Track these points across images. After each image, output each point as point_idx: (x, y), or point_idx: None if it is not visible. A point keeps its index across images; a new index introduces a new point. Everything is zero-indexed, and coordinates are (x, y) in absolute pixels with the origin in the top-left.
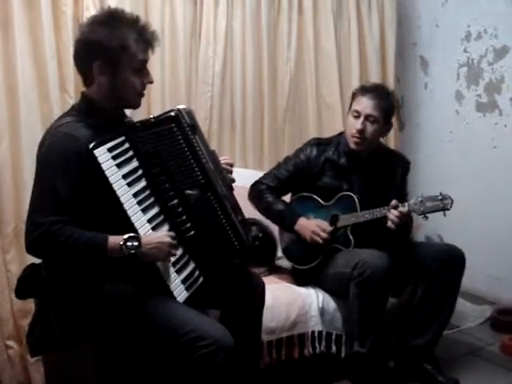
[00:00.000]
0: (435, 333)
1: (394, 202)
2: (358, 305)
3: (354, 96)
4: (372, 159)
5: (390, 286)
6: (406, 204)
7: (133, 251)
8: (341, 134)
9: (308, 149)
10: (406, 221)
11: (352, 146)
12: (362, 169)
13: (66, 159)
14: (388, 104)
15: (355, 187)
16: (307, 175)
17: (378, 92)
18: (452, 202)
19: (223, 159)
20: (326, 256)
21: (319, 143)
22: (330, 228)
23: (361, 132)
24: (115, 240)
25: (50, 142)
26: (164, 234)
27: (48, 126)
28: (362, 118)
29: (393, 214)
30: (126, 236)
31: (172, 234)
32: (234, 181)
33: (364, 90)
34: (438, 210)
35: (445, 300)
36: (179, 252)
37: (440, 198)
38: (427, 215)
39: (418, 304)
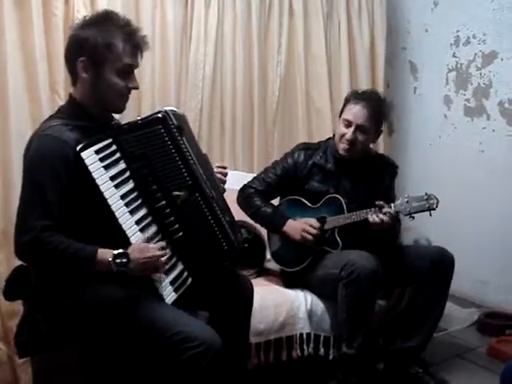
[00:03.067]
0: (425, 335)
1: (379, 202)
2: (347, 305)
3: (346, 101)
4: (360, 164)
5: (379, 286)
6: (392, 205)
7: (122, 268)
8: (329, 139)
9: (296, 153)
10: (392, 221)
11: (341, 151)
12: (349, 173)
13: (53, 163)
14: (380, 113)
15: (342, 191)
16: (295, 179)
17: (371, 101)
18: (438, 202)
19: (218, 166)
20: (314, 258)
21: (307, 148)
22: (318, 224)
23: (351, 141)
24: (104, 255)
25: (37, 146)
26: (154, 247)
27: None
28: (353, 128)
29: (376, 217)
30: (115, 252)
31: (162, 244)
32: (224, 190)
33: (357, 97)
34: (424, 210)
35: (434, 303)
36: (167, 254)
37: (425, 197)
38: (413, 215)
39: (407, 307)
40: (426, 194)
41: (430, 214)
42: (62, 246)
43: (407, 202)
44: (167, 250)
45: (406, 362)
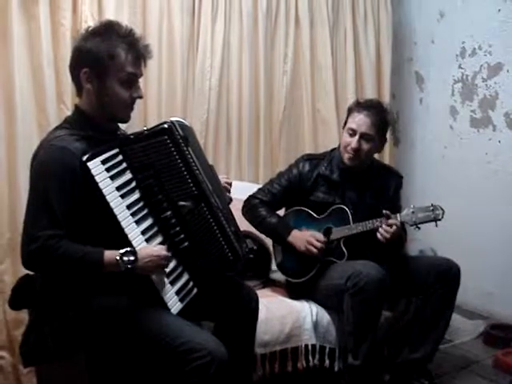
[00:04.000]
0: (431, 347)
1: (385, 211)
2: (353, 315)
3: (349, 111)
4: (365, 174)
5: (385, 296)
6: (398, 215)
7: (129, 266)
8: (334, 150)
9: (300, 164)
10: (398, 232)
11: (346, 161)
12: (354, 183)
13: (59, 172)
14: (384, 121)
15: (348, 201)
16: (300, 190)
17: (373, 109)
18: (443, 213)
19: (222, 177)
20: (320, 269)
21: (312, 158)
22: (324, 238)
23: (356, 150)
24: (111, 255)
25: (44, 156)
26: (160, 247)
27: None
28: (357, 136)
29: (383, 229)
30: (122, 251)
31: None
32: (230, 199)
33: (360, 106)
34: (430, 221)
35: (440, 313)
36: (173, 263)
37: (431, 208)
38: (419, 226)
39: (413, 318)
40: (432, 204)
41: (436, 225)
42: (68, 251)
43: (413, 212)
44: (173, 260)
45: (412, 374)
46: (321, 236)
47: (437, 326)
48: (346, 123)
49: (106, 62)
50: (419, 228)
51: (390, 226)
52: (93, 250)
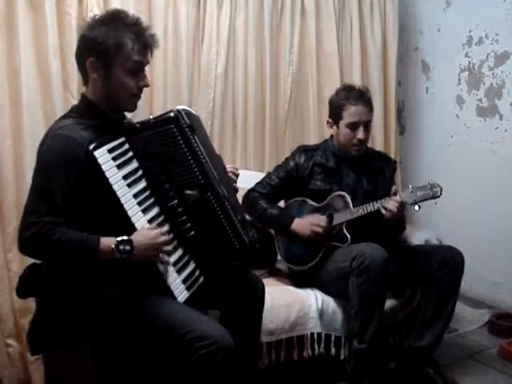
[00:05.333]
0: (437, 335)
1: (394, 187)
2: (358, 294)
3: (340, 107)
4: (360, 160)
5: (389, 276)
6: (398, 195)
7: (125, 255)
8: (327, 140)
9: (296, 155)
10: (402, 210)
11: (354, 153)
12: (351, 169)
13: (63, 162)
14: (371, 102)
15: (346, 187)
16: (298, 180)
17: (362, 95)
18: (441, 189)
19: (229, 167)
20: (324, 255)
21: (307, 149)
22: (326, 219)
23: (363, 141)
24: (107, 242)
25: (50, 144)
26: (157, 233)
27: (50, 125)
28: (361, 127)
29: (388, 204)
30: (118, 239)
31: (166, 229)
32: (237, 189)
33: (350, 98)
34: (429, 198)
35: (445, 302)
36: (180, 252)
37: (429, 186)
38: (419, 204)
39: (418, 306)
40: (429, 182)
41: (436, 202)
42: (64, 236)
43: (412, 191)
44: (171, 235)
45: (418, 362)
46: (323, 219)
47: (441, 314)
48: (339, 119)
49: (113, 51)
50: (419, 207)
51: (395, 204)
52: (89, 237)
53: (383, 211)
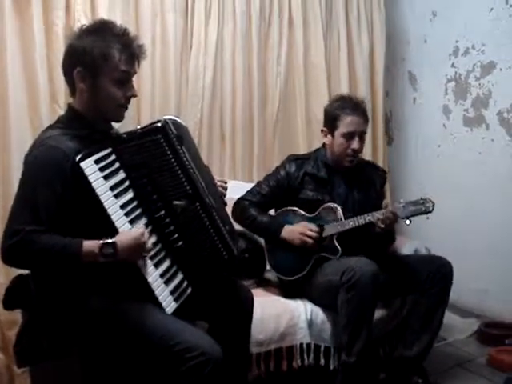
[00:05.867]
0: (426, 344)
1: (384, 201)
2: (347, 309)
3: (336, 118)
4: (351, 170)
5: (378, 291)
6: (390, 208)
7: (109, 258)
8: (318, 150)
9: (287, 164)
10: (393, 222)
11: (347, 164)
12: (342, 180)
13: (49, 173)
14: (366, 113)
15: (337, 198)
16: (288, 190)
17: (358, 105)
18: (433, 205)
19: (218, 180)
20: (314, 266)
21: (297, 158)
22: (317, 228)
23: (358, 151)
24: (90, 247)
25: (36, 154)
26: (140, 233)
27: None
28: (356, 137)
29: (381, 215)
30: (100, 242)
31: (145, 229)
32: (225, 203)
33: (347, 108)
34: (421, 213)
35: (434, 311)
36: (167, 263)
37: (421, 201)
38: (410, 219)
39: (407, 316)
40: (422, 198)
41: (427, 217)
42: (47, 244)
43: (403, 206)
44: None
45: (407, 372)
46: (314, 226)
47: (430, 323)
48: (334, 129)
49: (100, 62)
50: (410, 221)
51: (387, 216)
52: (72, 241)
53: (375, 224)
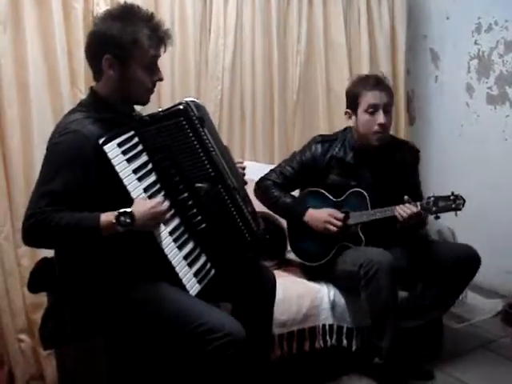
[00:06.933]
0: (426, 322)
1: (406, 197)
2: (368, 306)
3: (356, 96)
4: (380, 152)
5: (396, 283)
6: (418, 203)
7: (126, 227)
8: (346, 130)
9: (313, 146)
10: (417, 221)
11: (376, 143)
12: (370, 164)
13: (71, 158)
14: (391, 89)
15: (364, 184)
16: (313, 173)
17: (379, 80)
18: (464, 202)
19: (237, 162)
20: (336, 253)
21: (324, 140)
22: (342, 215)
23: (385, 126)
24: (107, 217)
25: (58, 138)
26: (157, 202)
27: (60, 120)
28: (381, 111)
29: (404, 213)
30: (117, 212)
31: (162, 198)
32: (246, 182)
33: (367, 85)
34: (450, 210)
35: (447, 297)
36: (191, 245)
37: (452, 198)
38: (439, 215)
39: (420, 292)
40: (453, 193)
41: (456, 214)
42: (64, 219)
43: (433, 201)
44: (166, 203)
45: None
46: (339, 214)
47: (439, 305)
48: (355, 106)
49: (130, 49)
50: (439, 217)
51: (410, 215)
52: (88, 215)
53: (400, 219)
